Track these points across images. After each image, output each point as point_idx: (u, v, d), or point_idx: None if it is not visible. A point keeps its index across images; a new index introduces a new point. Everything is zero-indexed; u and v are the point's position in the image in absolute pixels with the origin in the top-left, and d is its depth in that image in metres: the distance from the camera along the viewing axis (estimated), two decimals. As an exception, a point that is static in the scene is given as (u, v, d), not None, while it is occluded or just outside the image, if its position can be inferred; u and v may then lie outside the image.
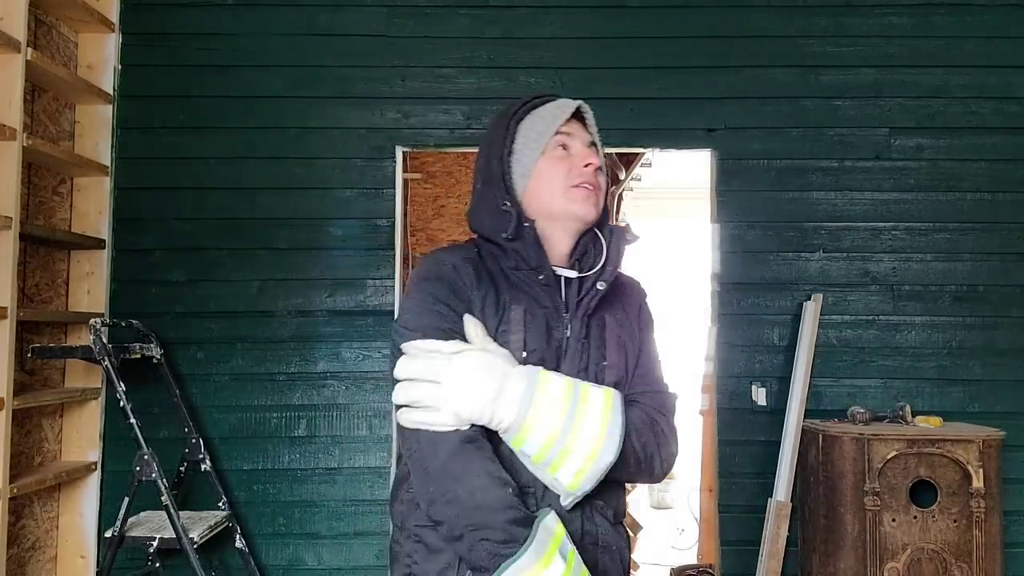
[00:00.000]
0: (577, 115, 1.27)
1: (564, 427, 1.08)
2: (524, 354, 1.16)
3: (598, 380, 1.21)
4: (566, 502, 1.13)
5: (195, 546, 2.47)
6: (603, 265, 1.25)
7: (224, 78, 2.98)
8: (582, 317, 1.23)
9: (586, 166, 1.23)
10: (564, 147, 1.24)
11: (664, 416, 1.23)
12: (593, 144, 1.27)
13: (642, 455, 1.17)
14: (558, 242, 1.25)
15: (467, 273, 1.21)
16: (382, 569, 2.86)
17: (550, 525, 1.07)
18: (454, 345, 1.11)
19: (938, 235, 2.97)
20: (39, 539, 2.69)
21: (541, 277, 1.21)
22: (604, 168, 1.29)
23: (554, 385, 1.10)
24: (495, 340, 1.16)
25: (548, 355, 1.19)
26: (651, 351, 1.32)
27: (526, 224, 1.22)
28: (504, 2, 3.01)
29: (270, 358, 2.90)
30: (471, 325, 1.14)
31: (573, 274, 1.24)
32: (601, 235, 1.28)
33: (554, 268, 1.24)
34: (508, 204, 1.22)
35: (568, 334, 1.22)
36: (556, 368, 1.18)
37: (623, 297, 1.32)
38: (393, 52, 3.00)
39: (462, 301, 1.18)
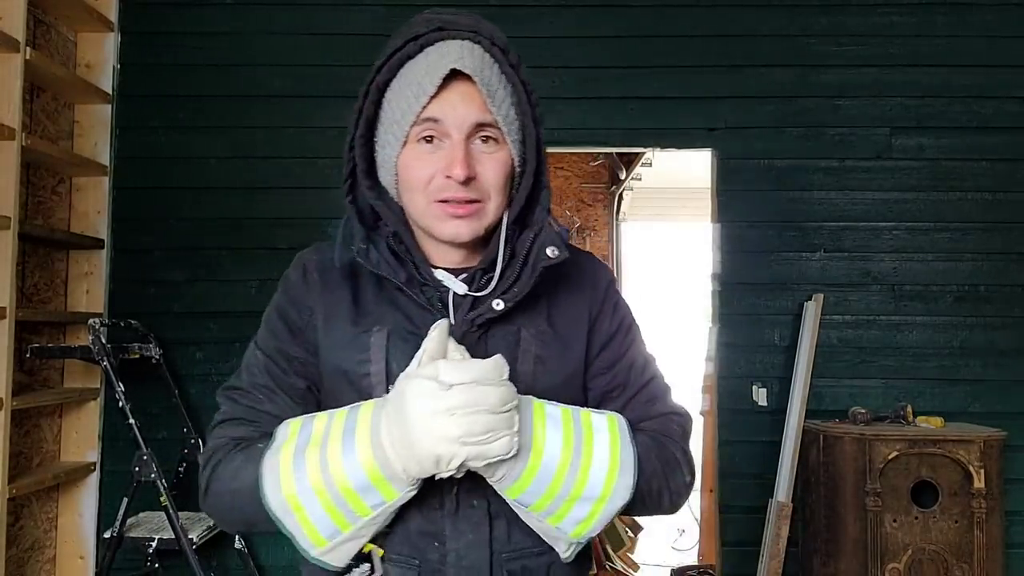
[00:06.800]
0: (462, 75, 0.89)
1: (571, 467, 0.85)
2: (387, 392, 0.87)
3: None
4: (567, 553, 0.92)
5: (194, 547, 2.47)
6: (502, 281, 0.94)
7: (223, 78, 2.97)
8: (474, 337, 0.92)
9: (448, 177, 0.89)
10: (428, 139, 0.91)
11: (672, 441, 0.99)
12: (483, 128, 0.91)
13: (646, 488, 0.92)
14: (446, 251, 0.97)
15: (314, 282, 1.00)
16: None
17: None
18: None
19: (939, 235, 2.96)
20: (38, 540, 2.69)
21: (411, 291, 0.93)
22: (527, 148, 0.99)
23: (552, 419, 0.86)
24: (353, 370, 0.93)
25: None
26: (636, 359, 1.02)
27: (387, 236, 0.96)
28: (504, 1, 3.00)
29: (269, 358, 2.89)
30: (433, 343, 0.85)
31: (461, 288, 0.94)
32: (517, 237, 0.96)
33: (436, 278, 0.95)
34: (355, 204, 1.01)
35: None
36: None
37: (566, 290, 1.00)
38: (393, 51, 2.99)
39: (299, 320, 0.98)
